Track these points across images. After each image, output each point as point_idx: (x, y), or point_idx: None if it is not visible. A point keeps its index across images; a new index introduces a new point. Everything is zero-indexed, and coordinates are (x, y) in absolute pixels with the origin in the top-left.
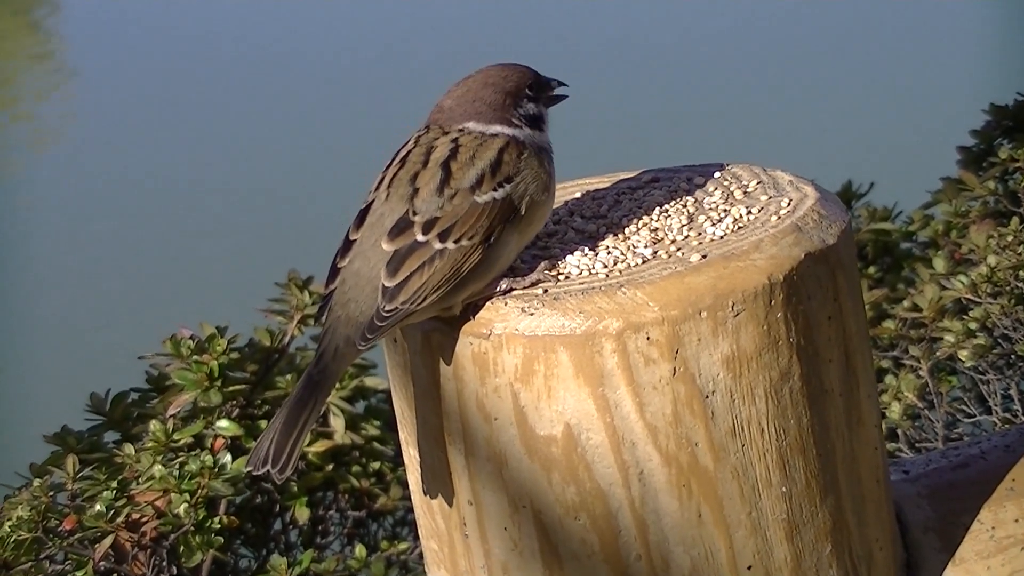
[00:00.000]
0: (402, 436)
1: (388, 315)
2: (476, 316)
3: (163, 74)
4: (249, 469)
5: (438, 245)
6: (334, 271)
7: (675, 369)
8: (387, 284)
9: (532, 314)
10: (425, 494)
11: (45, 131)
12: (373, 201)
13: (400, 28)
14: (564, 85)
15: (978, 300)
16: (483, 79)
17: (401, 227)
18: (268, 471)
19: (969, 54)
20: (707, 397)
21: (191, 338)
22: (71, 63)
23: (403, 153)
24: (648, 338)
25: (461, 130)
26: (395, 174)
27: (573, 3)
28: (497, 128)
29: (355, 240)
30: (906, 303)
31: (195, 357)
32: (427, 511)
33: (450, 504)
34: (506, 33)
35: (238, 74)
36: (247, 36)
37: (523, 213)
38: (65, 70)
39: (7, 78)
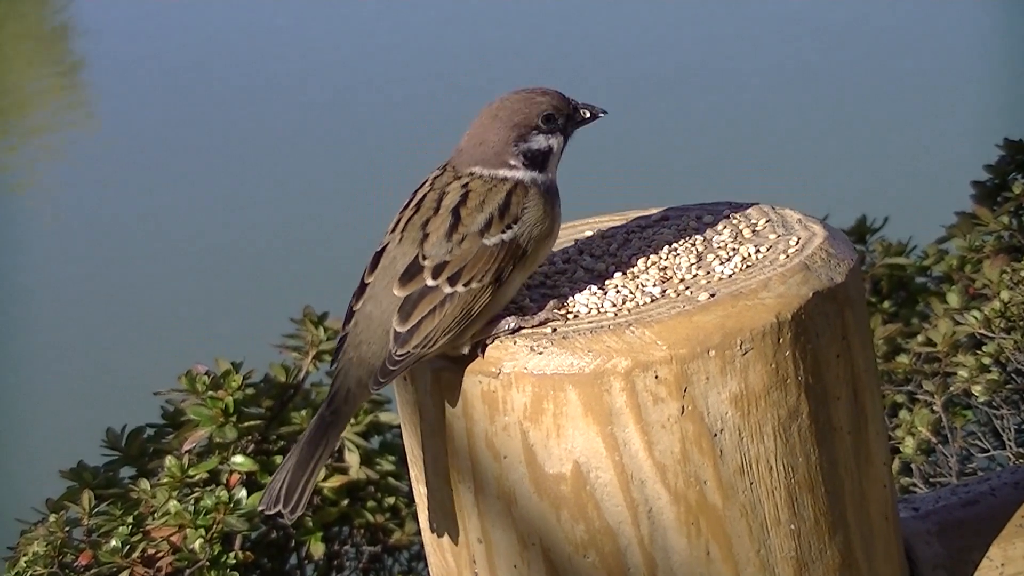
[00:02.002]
0: (412, 474)
1: (400, 359)
2: (485, 355)
3: (181, 107)
4: (262, 509)
5: (448, 289)
6: (349, 314)
7: (683, 407)
8: (399, 329)
9: (541, 353)
10: (435, 532)
11: (61, 162)
12: (388, 244)
13: (424, 63)
14: (597, 114)
15: (991, 335)
16: (494, 111)
17: (412, 272)
18: (280, 511)
19: (984, 89)
20: (715, 435)
21: (206, 374)
22: (91, 92)
23: (419, 196)
24: (656, 377)
25: (471, 174)
26: (409, 218)
27: (583, 37)
28: (503, 172)
29: (369, 283)
30: (920, 338)
31: (210, 393)
32: (437, 549)
33: (460, 542)
34: (521, 64)
35: (256, 105)
36: (269, 67)
37: (528, 253)
38: (84, 99)
39: (27, 106)
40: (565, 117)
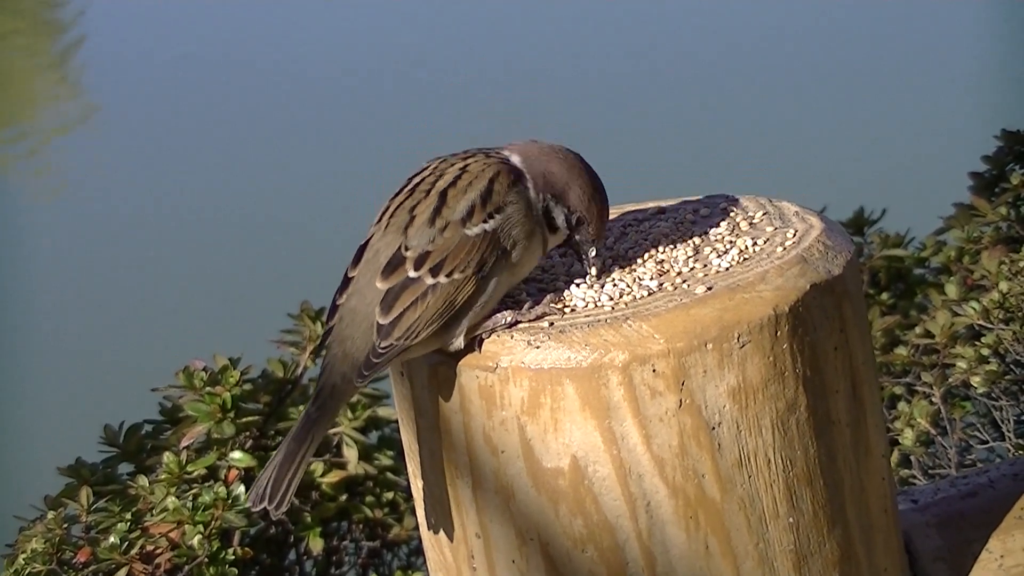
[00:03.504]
0: (410, 469)
1: (383, 352)
2: (482, 349)
3: (178, 104)
4: (248, 505)
5: (430, 280)
6: (333, 308)
7: (681, 401)
8: (381, 321)
9: (538, 347)
10: (433, 527)
11: (61, 161)
12: (372, 236)
13: (424, 60)
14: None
15: (990, 326)
16: (587, 166)
17: (394, 264)
18: (266, 508)
19: (981, 80)
20: (713, 429)
21: (204, 370)
22: (91, 95)
23: (415, 181)
24: (654, 370)
25: (486, 155)
26: (400, 203)
27: (579, 32)
28: (530, 190)
29: (353, 277)
30: (918, 329)
31: (208, 389)
32: (435, 544)
33: (458, 537)
34: (521, 60)
35: (255, 104)
36: (267, 64)
37: (514, 244)
38: (85, 101)
39: (28, 108)
40: (589, 236)
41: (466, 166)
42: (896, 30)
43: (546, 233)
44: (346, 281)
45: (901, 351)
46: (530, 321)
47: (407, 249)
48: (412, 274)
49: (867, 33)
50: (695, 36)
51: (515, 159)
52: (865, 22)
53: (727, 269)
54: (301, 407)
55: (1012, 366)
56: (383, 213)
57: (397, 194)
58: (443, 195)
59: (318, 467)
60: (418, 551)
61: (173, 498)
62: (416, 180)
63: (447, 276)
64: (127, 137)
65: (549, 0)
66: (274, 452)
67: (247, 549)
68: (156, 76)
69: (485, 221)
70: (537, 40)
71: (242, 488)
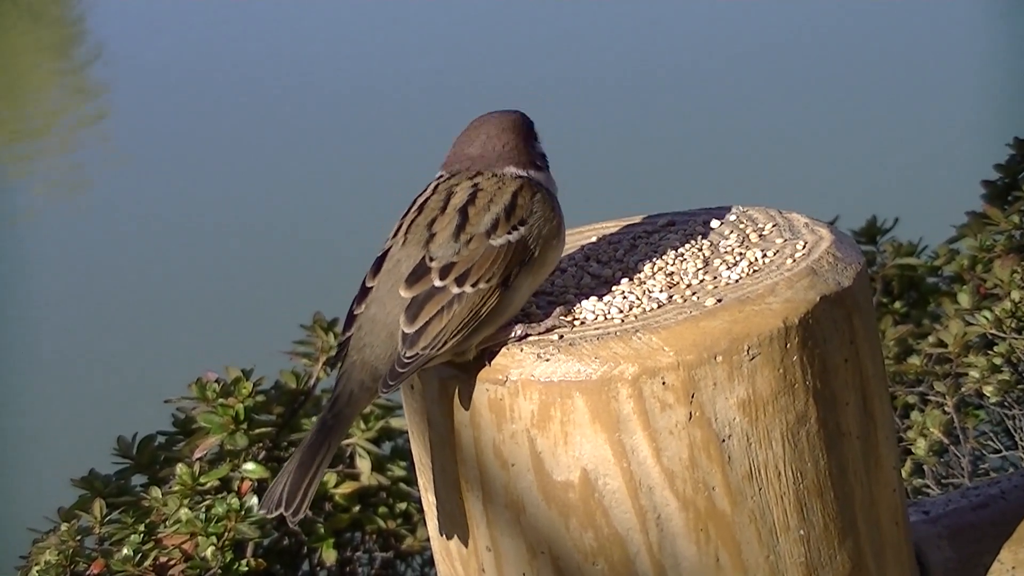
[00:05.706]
0: (421, 482)
1: (409, 361)
2: (492, 362)
3: (191, 116)
4: (263, 511)
5: (456, 290)
6: (350, 318)
7: (691, 413)
8: (407, 330)
9: (548, 360)
10: (444, 540)
11: (73, 172)
12: (390, 248)
13: (434, 70)
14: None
15: (1003, 335)
16: (498, 124)
17: (419, 273)
18: (282, 513)
19: (993, 88)
20: (723, 441)
21: (217, 381)
22: (104, 105)
23: (421, 200)
24: (664, 383)
25: (493, 175)
26: (413, 220)
27: (585, 40)
28: (532, 173)
29: (371, 287)
30: (931, 339)
31: (221, 400)
32: (446, 557)
33: (469, 550)
34: (526, 69)
35: (267, 114)
36: (279, 77)
37: (536, 255)
38: (97, 111)
39: (41, 117)
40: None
41: (478, 184)
42: (909, 38)
43: (561, 212)
44: (364, 291)
45: (914, 360)
46: (540, 334)
47: (432, 260)
48: (438, 283)
49: (879, 41)
50: (704, 45)
51: (531, 172)
52: (877, 30)
53: (737, 281)
54: (314, 418)
55: None
56: (398, 229)
57: (407, 212)
58: (463, 212)
59: (331, 478)
60: (431, 562)
61: (186, 510)
62: (421, 200)
63: (472, 286)
64: (139, 147)
65: (558, 8)
66: (287, 460)
67: (260, 560)
68: (169, 87)
69: (509, 233)
70: (544, 49)
71: (255, 500)
